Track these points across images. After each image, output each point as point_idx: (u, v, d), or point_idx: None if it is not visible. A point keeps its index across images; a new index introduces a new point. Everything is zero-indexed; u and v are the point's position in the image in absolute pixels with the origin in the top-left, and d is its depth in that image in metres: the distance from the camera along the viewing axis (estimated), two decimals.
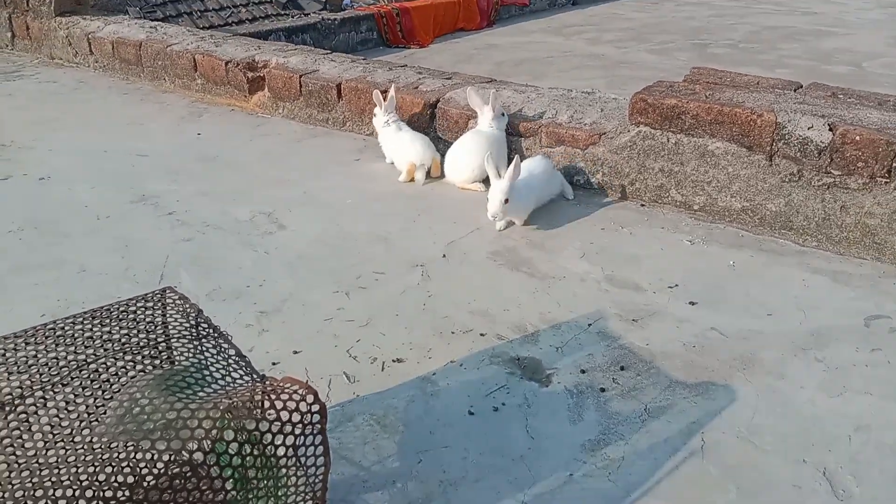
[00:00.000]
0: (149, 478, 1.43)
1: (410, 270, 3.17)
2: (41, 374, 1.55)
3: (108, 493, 1.42)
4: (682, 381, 2.46)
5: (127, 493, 1.45)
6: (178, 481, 1.46)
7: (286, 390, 1.47)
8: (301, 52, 5.38)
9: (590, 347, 2.65)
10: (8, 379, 1.49)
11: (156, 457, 1.48)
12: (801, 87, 3.75)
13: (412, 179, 4.07)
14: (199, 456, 1.47)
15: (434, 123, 4.39)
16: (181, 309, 1.77)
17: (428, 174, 4.09)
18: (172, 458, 1.47)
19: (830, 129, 3.23)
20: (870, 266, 3.16)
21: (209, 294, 2.96)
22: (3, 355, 1.53)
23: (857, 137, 3.17)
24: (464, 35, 10.26)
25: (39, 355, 1.56)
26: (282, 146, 4.63)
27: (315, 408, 1.47)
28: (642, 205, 3.74)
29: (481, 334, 2.73)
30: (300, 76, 4.99)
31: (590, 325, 2.78)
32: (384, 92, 4.33)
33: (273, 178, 4.13)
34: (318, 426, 1.49)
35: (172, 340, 1.73)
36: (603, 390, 2.43)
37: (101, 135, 4.80)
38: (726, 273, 3.13)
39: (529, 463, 2.13)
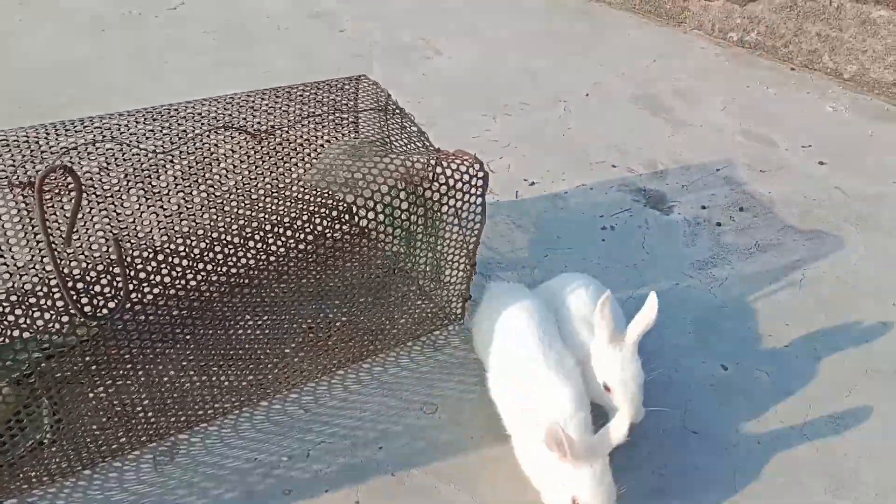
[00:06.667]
0: (328, 231, 1.85)
1: (554, 105, 3.42)
2: (280, 118, 1.97)
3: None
4: (796, 227, 2.67)
5: (311, 238, 1.88)
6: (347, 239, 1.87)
7: (459, 157, 1.83)
8: None
9: (714, 189, 2.87)
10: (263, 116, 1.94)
11: (341, 206, 1.90)
12: None
13: None
14: (370, 217, 1.87)
15: None
16: (373, 92, 2.14)
17: None
18: (347, 215, 1.88)
19: None
20: None
21: None
22: (254, 101, 1.97)
23: None
24: None
25: (276, 106, 1.99)
26: None
27: (480, 174, 1.82)
28: (792, 69, 3.75)
29: (613, 166, 3.00)
30: None
31: (718, 170, 2.98)
32: None
33: (432, 7, 4.38)
34: (481, 189, 1.85)
35: (362, 114, 2.12)
36: (719, 224, 2.67)
37: None
38: (863, 141, 3.19)
39: (641, 270, 2.45)
